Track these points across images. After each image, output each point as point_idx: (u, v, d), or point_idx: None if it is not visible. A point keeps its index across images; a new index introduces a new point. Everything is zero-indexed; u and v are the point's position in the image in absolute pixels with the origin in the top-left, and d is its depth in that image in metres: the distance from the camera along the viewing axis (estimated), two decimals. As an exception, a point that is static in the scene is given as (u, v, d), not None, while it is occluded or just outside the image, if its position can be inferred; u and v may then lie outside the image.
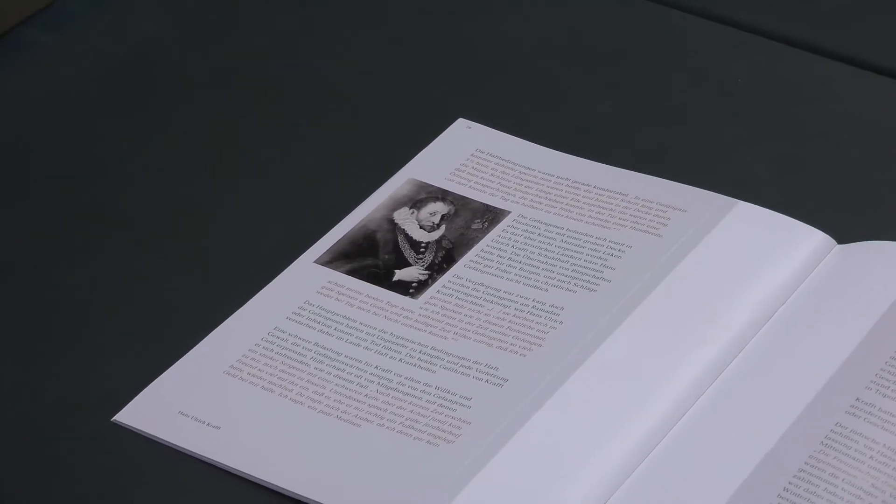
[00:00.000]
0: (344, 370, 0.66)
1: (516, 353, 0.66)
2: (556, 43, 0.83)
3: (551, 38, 0.83)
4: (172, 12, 0.88)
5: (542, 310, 0.68)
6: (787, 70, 0.81)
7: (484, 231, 0.72)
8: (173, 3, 0.89)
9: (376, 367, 0.65)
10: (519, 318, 0.67)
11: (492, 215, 0.72)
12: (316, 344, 0.67)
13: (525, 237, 0.71)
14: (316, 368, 0.66)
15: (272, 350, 0.67)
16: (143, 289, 0.71)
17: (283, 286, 0.70)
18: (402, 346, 0.66)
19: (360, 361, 0.66)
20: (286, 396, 0.65)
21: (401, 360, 0.66)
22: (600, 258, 0.70)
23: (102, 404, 0.65)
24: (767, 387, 0.64)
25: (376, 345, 0.66)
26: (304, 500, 0.61)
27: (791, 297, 0.68)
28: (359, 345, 0.66)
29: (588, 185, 0.74)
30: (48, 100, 0.83)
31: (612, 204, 0.73)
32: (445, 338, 0.66)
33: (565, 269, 0.69)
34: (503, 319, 0.67)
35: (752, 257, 0.70)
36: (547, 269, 0.69)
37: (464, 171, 0.75)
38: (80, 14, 1.50)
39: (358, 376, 0.65)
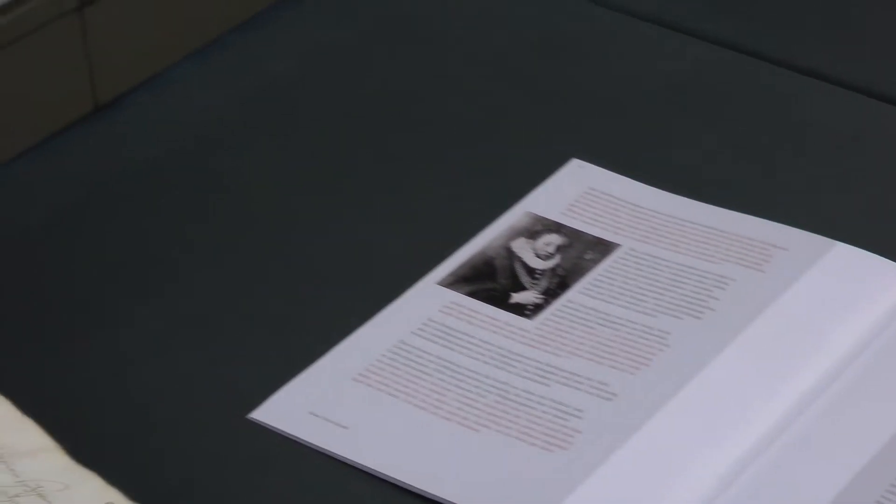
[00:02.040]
0: (464, 381, 0.70)
1: (625, 370, 0.70)
2: (666, 88, 0.89)
3: (661, 83, 0.89)
4: (302, 51, 0.94)
5: (650, 333, 0.72)
6: (879, 121, 0.86)
7: (596, 261, 0.76)
8: (302, 41, 0.96)
9: (494, 379, 0.70)
10: (628, 340, 0.72)
11: (603, 247, 0.77)
12: (438, 357, 0.72)
13: (635, 268, 0.76)
14: (438, 379, 0.70)
15: (397, 360, 0.72)
16: (280, 300, 0.76)
17: (408, 304, 0.75)
18: (519, 361, 0.71)
19: (479, 374, 0.71)
20: (410, 402, 0.69)
21: (517, 373, 0.70)
22: (705, 289, 0.74)
23: (239, 402, 0.71)
24: (861, 411, 0.68)
25: (494, 359, 0.71)
26: (425, 494, 0.65)
27: (886, 332, 0.72)
28: (478, 359, 0.71)
29: (694, 223, 0.78)
30: (189, 126, 0.89)
31: (717, 240, 0.77)
32: (559, 355, 0.71)
33: (672, 297, 0.74)
34: (613, 341, 0.72)
35: (850, 295, 0.74)
36: (655, 297, 0.74)
37: (577, 207, 0.80)
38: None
39: (477, 387, 0.70)
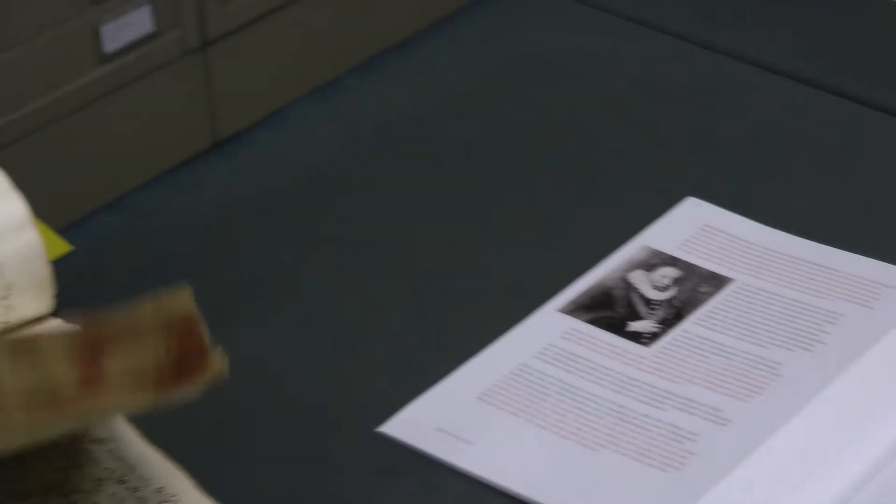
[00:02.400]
0: (583, 403, 0.74)
1: (738, 398, 0.73)
2: (780, 131, 0.92)
3: (775, 126, 0.93)
4: (424, 91, 0.99)
5: (762, 364, 0.75)
6: None
7: (710, 294, 0.80)
8: (424, 81, 1.00)
9: (612, 402, 0.74)
10: (741, 369, 0.75)
11: (717, 281, 0.80)
12: (559, 380, 0.75)
13: (747, 301, 0.79)
14: (558, 400, 0.74)
15: (520, 382, 0.75)
16: (408, 323, 0.80)
17: (530, 329, 0.78)
18: (636, 386, 0.74)
19: (598, 397, 0.74)
20: (531, 422, 0.73)
21: (634, 397, 0.74)
22: (816, 323, 0.77)
23: (367, 416, 0.75)
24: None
25: (613, 384, 0.75)
26: (549, 509, 0.69)
27: None
28: (597, 383, 0.75)
29: (804, 261, 0.81)
30: (308, 162, 0.94)
31: (827, 278, 0.80)
32: (674, 381, 0.74)
33: (784, 330, 0.77)
34: (727, 369, 0.75)
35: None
36: (767, 330, 0.77)
37: (692, 242, 0.83)
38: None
39: (595, 409, 0.73)
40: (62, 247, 0.82)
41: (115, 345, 0.59)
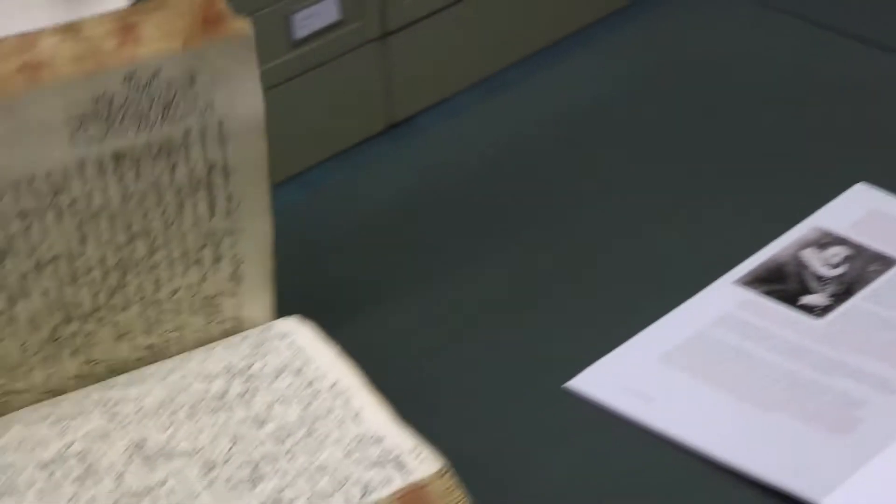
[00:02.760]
0: (757, 368, 0.79)
1: (906, 370, 0.78)
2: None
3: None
4: (585, 85, 1.05)
5: (930, 339, 0.80)
6: None
7: (879, 273, 0.84)
8: (585, 76, 1.06)
9: (785, 368, 0.78)
10: (909, 343, 0.80)
11: (886, 262, 0.85)
12: (734, 346, 0.80)
13: (915, 281, 0.84)
14: (732, 364, 0.79)
15: (697, 346, 0.80)
16: (590, 289, 0.87)
17: (707, 299, 0.84)
18: (808, 354, 0.79)
19: (771, 363, 0.79)
20: (708, 384, 0.78)
21: (806, 365, 0.78)
22: (981, 302, 0.82)
23: (554, 374, 0.80)
24: None
25: (785, 352, 0.79)
26: (722, 464, 0.74)
27: None
28: (771, 350, 0.80)
29: (970, 246, 0.86)
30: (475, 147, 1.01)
31: None
32: (845, 352, 0.79)
33: (950, 308, 0.82)
34: (895, 343, 0.80)
35: None
36: (935, 308, 0.82)
37: (862, 225, 0.88)
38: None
39: (769, 374, 0.78)
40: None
41: (148, 15, 0.70)
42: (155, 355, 0.78)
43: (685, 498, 0.74)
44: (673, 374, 0.79)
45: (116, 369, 0.77)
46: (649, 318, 0.83)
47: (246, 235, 0.78)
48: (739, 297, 0.83)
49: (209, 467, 0.69)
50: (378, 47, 1.78)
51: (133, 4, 0.72)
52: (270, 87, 1.42)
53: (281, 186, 0.83)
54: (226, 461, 0.69)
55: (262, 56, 0.76)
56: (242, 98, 0.74)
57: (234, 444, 0.70)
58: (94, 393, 0.74)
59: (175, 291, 0.77)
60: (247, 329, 0.79)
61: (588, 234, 0.91)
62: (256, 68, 0.74)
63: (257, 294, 0.79)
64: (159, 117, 0.73)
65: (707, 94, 1.03)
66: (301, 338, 0.76)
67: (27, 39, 0.68)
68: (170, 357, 0.78)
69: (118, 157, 0.73)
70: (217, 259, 0.77)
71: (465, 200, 0.95)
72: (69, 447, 0.70)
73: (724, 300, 0.83)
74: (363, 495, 0.68)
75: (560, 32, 1.93)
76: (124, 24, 0.70)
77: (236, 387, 0.73)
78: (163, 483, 0.68)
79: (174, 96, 0.72)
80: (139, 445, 0.70)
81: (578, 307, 0.86)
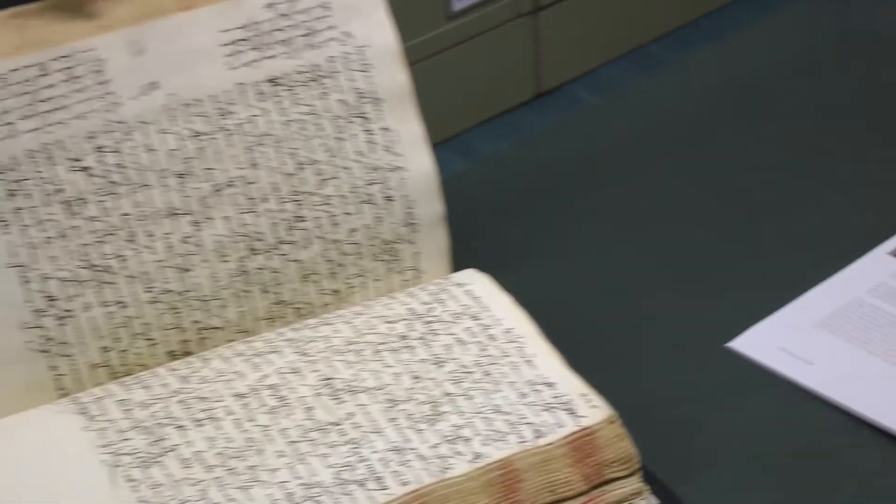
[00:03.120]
0: (905, 344, 0.83)
1: None
2: None
3: None
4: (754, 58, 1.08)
5: None
6: None
7: None
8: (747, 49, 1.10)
9: (939, 337, 0.82)
10: None
11: None
12: (889, 314, 0.83)
13: None
14: (889, 332, 0.82)
15: (854, 313, 0.84)
16: (748, 256, 0.91)
17: (863, 268, 0.87)
18: (961, 324, 0.82)
19: (926, 332, 0.82)
20: (864, 348, 0.81)
21: (958, 334, 0.82)
22: None
23: (719, 332, 0.85)
24: None
25: (939, 321, 0.83)
26: (878, 425, 0.77)
27: None
28: (925, 319, 0.83)
29: None
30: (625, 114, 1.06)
31: None
32: None
33: None
34: None
35: None
36: None
37: None
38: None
39: (922, 342, 0.82)
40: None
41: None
42: (340, 301, 0.83)
43: (840, 457, 0.77)
44: (828, 339, 0.83)
45: (304, 313, 0.82)
46: (808, 285, 0.87)
47: (411, 175, 0.83)
48: (893, 267, 0.86)
49: (392, 403, 0.74)
50: (529, 21, 1.83)
51: None
52: (429, 55, 1.49)
53: (437, 148, 0.87)
54: (408, 398, 0.74)
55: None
56: (376, 28, 0.81)
57: (416, 382, 0.75)
58: (286, 333, 0.79)
59: (353, 231, 0.82)
60: (425, 282, 0.84)
61: (751, 201, 0.95)
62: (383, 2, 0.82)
63: (433, 243, 0.84)
64: (304, 44, 0.80)
65: (870, 67, 1.06)
66: (478, 288, 0.81)
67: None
68: (349, 305, 0.83)
69: (273, 82, 0.80)
70: (388, 199, 0.83)
71: (621, 166, 1.00)
72: (263, 380, 0.75)
73: (879, 269, 0.87)
74: (536, 437, 0.72)
75: (708, 6, 1.94)
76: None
77: (417, 329, 0.78)
78: (350, 416, 0.73)
79: (314, 23, 0.80)
80: (328, 380, 0.75)
81: (741, 271, 0.90)
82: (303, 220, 0.81)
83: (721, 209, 0.95)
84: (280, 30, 0.80)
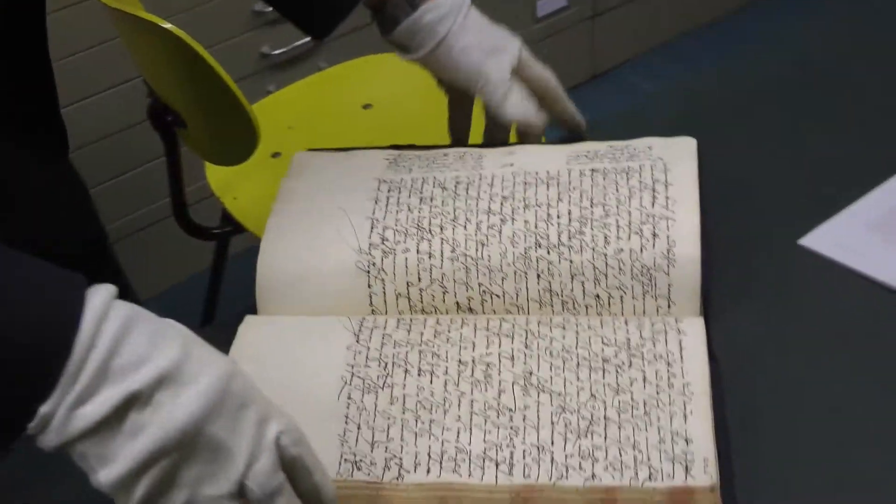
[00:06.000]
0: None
1: None
2: None
3: None
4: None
5: None
6: None
7: None
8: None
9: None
10: None
11: None
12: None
13: None
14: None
15: (892, 220, 1.10)
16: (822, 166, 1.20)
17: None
18: None
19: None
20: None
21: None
22: None
23: (791, 232, 1.11)
24: None
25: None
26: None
27: None
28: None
29: None
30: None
31: None
32: None
33: None
34: None
35: None
36: None
37: None
38: None
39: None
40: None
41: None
42: (600, 307, 1.01)
43: (890, 330, 1.01)
44: (880, 238, 1.08)
45: (569, 307, 1.01)
46: (860, 193, 1.14)
47: (678, 224, 1.01)
48: None
49: (561, 410, 0.92)
50: (588, 24, 3.06)
51: None
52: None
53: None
54: (575, 410, 0.91)
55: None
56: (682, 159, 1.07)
57: (590, 400, 0.92)
58: (529, 324, 0.99)
59: (619, 251, 1.01)
60: (674, 313, 0.99)
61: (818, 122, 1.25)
62: (694, 160, 1.09)
63: (685, 279, 1.00)
64: (627, 157, 1.08)
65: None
66: (691, 338, 0.96)
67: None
68: (608, 314, 1.00)
69: (594, 171, 1.06)
70: (655, 235, 1.01)
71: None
72: (485, 357, 0.96)
73: None
74: (647, 478, 0.87)
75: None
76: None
77: (621, 358, 0.95)
78: (525, 408, 0.92)
79: (638, 157, 1.08)
80: (529, 374, 0.94)
81: (809, 180, 1.17)
82: (583, 234, 1.01)
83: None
84: (610, 155, 1.10)
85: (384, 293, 1.03)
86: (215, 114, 1.64)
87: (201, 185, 1.96)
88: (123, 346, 0.74)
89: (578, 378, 0.94)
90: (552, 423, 0.91)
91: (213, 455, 0.76)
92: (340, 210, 1.07)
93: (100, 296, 0.75)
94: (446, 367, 0.95)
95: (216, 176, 1.90)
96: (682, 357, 0.94)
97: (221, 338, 0.88)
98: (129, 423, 0.74)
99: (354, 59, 2.13)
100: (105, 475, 0.74)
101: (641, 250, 1.00)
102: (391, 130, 1.90)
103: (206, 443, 0.75)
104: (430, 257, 1.02)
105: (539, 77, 1.17)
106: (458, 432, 0.91)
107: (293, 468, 0.80)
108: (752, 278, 1.08)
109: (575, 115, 1.20)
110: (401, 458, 0.89)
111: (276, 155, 1.91)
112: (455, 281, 1.02)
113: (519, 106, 1.15)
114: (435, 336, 0.98)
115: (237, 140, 1.63)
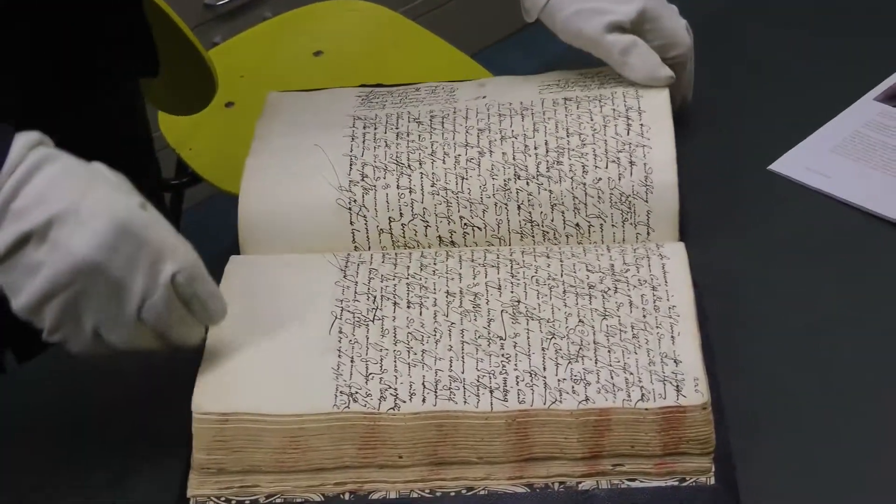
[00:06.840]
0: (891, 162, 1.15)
1: None
2: None
3: None
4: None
5: None
6: None
7: None
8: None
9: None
10: None
11: None
12: (879, 140, 1.18)
13: None
14: (882, 152, 1.17)
15: (855, 141, 1.18)
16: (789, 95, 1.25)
17: (858, 108, 1.22)
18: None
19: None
20: (867, 166, 1.15)
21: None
22: None
23: (761, 158, 1.17)
24: None
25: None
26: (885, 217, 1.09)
27: None
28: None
29: None
30: None
31: None
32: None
33: None
34: None
35: None
36: None
37: None
38: None
39: None
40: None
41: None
42: (581, 235, 1.02)
43: (860, 239, 1.07)
44: (840, 159, 1.16)
45: (550, 238, 1.02)
46: (821, 121, 1.20)
47: (654, 151, 1.03)
48: (878, 109, 1.22)
49: (551, 336, 0.93)
50: None
51: None
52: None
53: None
54: (564, 335, 0.93)
55: None
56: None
57: (578, 325, 0.93)
58: (512, 254, 1.00)
59: (598, 180, 1.03)
60: (653, 240, 1.01)
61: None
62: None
63: (664, 206, 1.02)
64: (598, 85, 1.09)
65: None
66: (674, 262, 0.97)
67: None
68: (588, 243, 1.02)
69: (567, 100, 1.07)
70: (631, 163, 1.03)
71: None
72: (472, 287, 0.96)
73: (869, 111, 1.22)
74: (639, 399, 0.89)
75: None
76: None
77: (606, 283, 0.96)
78: (515, 336, 0.93)
79: (609, 84, 1.10)
80: (517, 303, 0.95)
81: (776, 109, 1.23)
82: (560, 164, 1.02)
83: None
84: (584, 79, 1.13)
85: (367, 229, 1.03)
86: (172, 62, 1.63)
87: (155, 136, 1.95)
88: (24, 188, 0.82)
89: (566, 304, 0.95)
90: (543, 349, 0.92)
91: (111, 290, 0.84)
92: (318, 148, 1.07)
93: (18, 143, 0.83)
94: (435, 299, 0.96)
95: (170, 128, 1.90)
96: (666, 281, 0.96)
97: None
98: (26, 259, 0.83)
99: (301, 7, 2.13)
100: (15, 304, 0.84)
101: (619, 178, 1.02)
102: (344, 76, 1.90)
103: (104, 279, 0.83)
104: (410, 192, 1.03)
105: (664, 33, 1.12)
106: (451, 361, 0.92)
107: (189, 303, 0.88)
108: (725, 204, 1.11)
109: (688, 89, 1.18)
110: (396, 389, 0.90)
111: (229, 104, 1.90)
112: (436, 215, 1.03)
113: (640, 69, 1.09)
114: (421, 269, 0.99)
115: (195, 88, 1.63)
